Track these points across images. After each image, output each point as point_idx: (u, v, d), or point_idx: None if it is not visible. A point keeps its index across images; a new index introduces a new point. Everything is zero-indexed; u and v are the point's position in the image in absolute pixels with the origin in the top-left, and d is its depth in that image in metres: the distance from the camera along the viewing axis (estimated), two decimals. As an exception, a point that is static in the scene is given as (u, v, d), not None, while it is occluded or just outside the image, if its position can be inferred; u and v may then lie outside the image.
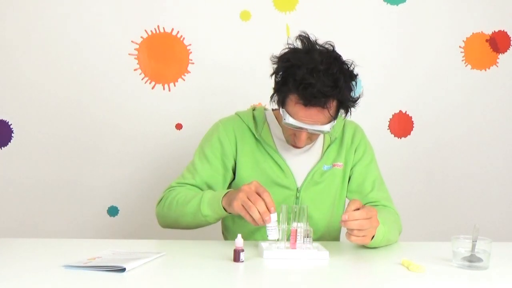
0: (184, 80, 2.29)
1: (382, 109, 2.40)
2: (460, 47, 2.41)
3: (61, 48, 2.23)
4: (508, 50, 2.43)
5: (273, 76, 1.50)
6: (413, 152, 2.42)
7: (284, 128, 1.53)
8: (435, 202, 2.44)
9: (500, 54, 2.43)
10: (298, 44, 1.47)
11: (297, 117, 1.42)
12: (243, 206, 1.33)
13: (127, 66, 2.25)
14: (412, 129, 2.42)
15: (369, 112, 2.36)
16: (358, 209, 1.31)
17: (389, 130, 2.41)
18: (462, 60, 2.41)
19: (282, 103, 1.47)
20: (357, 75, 1.47)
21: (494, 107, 2.44)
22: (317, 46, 1.45)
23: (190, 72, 2.29)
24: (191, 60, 2.29)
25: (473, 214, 2.44)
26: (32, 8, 2.21)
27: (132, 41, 2.25)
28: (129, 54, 2.26)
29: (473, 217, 2.42)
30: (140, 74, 2.27)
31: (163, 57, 2.27)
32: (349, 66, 1.45)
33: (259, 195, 1.33)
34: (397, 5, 2.36)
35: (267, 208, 1.31)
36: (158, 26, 2.26)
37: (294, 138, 1.50)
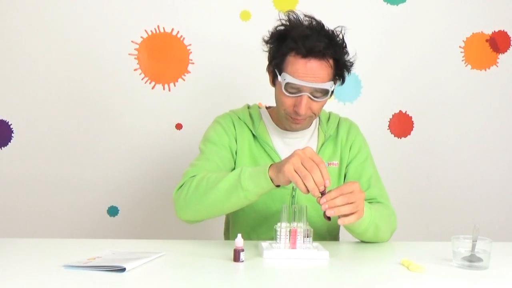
0: (184, 80, 2.29)
1: (382, 109, 2.41)
2: (460, 47, 2.41)
3: (61, 49, 2.23)
4: (508, 50, 2.43)
5: (268, 53, 1.52)
6: (413, 152, 2.42)
7: (282, 104, 1.49)
8: (435, 202, 2.44)
9: (500, 54, 2.43)
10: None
11: (297, 74, 1.43)
12: (296, 172, 1.23)
13: (127, 66, 2.26)
14: (412, 129, 2.42)
15: (369, 112, 2.37)
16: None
17: (389, 130, 2.41)
18: (462, 60, 2.41)
19: (279, 68, 1.47)
20: (345, 45, 1.50)
21: (494, 107, 2.44)
22: (306, 18, 1.50)
23: (190, 72, 2.29)
24: (191, 60, 2.29)
25: (473, 214, 2.44)
26: (32, 9, 2.21)
27: (132, 41, 2.26)
28: (129, 54, 2.26)
29: (473, 217, 2.42)
30: (140, 74, 2.27)
31: (163, 57, 2.27)
32: (338, 34, 1.49)
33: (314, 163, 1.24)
34: (397, 5, 2.36)
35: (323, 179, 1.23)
36: (158, 26, 2.26)
37: (294, 109, 1.47)
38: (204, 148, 1.56)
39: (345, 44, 1.50)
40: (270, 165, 1.31)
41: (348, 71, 1.53)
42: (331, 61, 1.46)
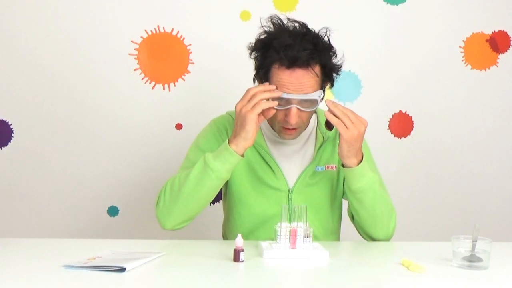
0: (184, 80, 2.29)
1: (382, 109, 2.40)
2: (460, 47, 2.41)
3: (61, 48, 2.23)
4: (508, 50, 2.43)
5: (254, 62, 1.52)
6: (413, 152, 2.42)
7: (273, 116, 1.48)
8: (435, 202, 2.44)
9: (500, 54, 2.43)
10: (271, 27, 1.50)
11: (283, 86, 1.42)
12: (246, 110, 1.39)
13: (127, 66, 2.26)
14: (412, 129, 2.42)
15: (369, 112, 2.36)
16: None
17: (389, 130, 2.41)
18: (462, 60, 2.41)
19: (266, 79, 1.47)
20: (335, 49, 1.49)
21: (494, 107, 2.44)
22: (289, 23, 1.48)
23: (190, 72, 2.29)
24: (191, 60, 2.29)
25: (473, 214, 2.44)
26: (32, 9, 2.21)
27: (132, 41, 2.25)
28: (129, 54, 2.26)
29: (473, 217, 2.42)
30: (140, 74, 2.27)
31: (163, 57, 2.27)
32: (323, 36, 1.47)
33: (252, 97, 1.40)
34: (397, 5, 2.36)
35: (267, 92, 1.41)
36: (158, 26, 2.26)
37: (285, 119, 1.46)
38: (192, 155, 1.57)
39: (331, 46, 1.47)
40: (228, 141, 1.41)
41: (337, 73, 1.50)
42: (317, 68, 1.43)
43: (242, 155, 1.42)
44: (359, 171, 1.45)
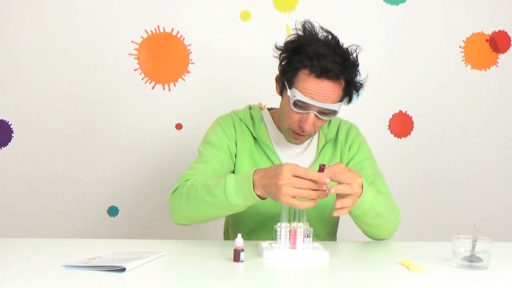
0: (184, 80, 2.29)
1: (382, 109, 2.41)
2: (460, 47, 2.41)
3: (61, 48, 2.23)
4: (508, 50, 2.43)
5: (279, 62, 1.50)
6: (413, 152, 2.42)
7: (287, 117, 1.49)
8: (435, 202, 2.44)
9: (500, 54, 2.43)
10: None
11: (308, 91, 1.42)
12: (294, 198, 1.22)
13: (127, 66, 2.26)
14: (412, 129, 2.42)
15: (369, 112, 2.37)
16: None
17: (389, 130, 2.41)
18: (462, 60, 2.41)
19: (290, 83, 1.46)
20: (358, 64, 1.49)
21: (494, 107, 2.44)
22: (322, 32, 1.48)
23: (190, 72, 2.29)
24: (191, 60, 2.29)
25: (473, 214, 2.44)
26: (32, 9, 2.21)
27: (132, 41, 2.26)
28: (129, 54, 2.26)
29: (473, 217, 2.42)
30: (140, 74, 2.27)
31: (163, 57, 2.27)
32: (352, 53, 1.47)
33: (301, 177, 1.22)
34: (397, 5, 2.36)
35: (320, 183, 1.21)
36: (158, 26, 2.26)
37: (299, 125, 1.47)
38: (203, 150, 1.56)
39: (358, 63, 1.49)
40: (254, 180, 1.27)
41: (357, 92, 1.51)
42: (343, 82, 1.45)
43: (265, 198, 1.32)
44: (360, 201, 1.35)
